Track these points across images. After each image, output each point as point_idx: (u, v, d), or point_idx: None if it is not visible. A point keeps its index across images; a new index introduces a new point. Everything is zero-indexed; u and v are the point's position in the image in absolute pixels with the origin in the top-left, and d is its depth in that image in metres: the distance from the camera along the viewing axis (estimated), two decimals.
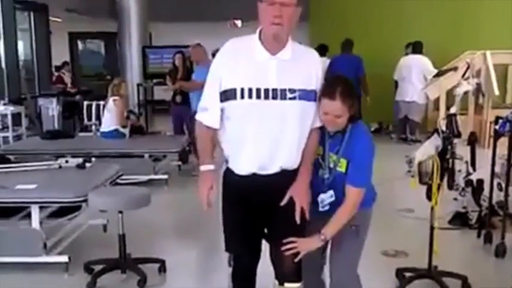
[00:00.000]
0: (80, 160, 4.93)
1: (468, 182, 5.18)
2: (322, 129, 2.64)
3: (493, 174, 4.62)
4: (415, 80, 9.46)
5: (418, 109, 9.63)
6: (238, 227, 2.71)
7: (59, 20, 13.10)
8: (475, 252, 4.64)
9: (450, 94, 8.12)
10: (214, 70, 2.56)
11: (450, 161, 3.73)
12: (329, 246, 2.77)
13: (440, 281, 3.74)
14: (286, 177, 2.57)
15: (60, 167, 4.88)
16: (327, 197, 2.68)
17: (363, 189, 2.61)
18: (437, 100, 9.59)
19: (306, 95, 2.49)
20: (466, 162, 5.18)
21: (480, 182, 5.14)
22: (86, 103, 9.04)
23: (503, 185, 4.44)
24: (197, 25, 14.23)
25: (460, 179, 5.30)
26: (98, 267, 4.10)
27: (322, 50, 9.52)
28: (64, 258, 4.16)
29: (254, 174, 2.55)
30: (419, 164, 3.76)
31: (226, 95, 2.49)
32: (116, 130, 7.14)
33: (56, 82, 11.12)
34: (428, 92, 9.51)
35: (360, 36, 10.56)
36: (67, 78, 11.13)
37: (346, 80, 2.64)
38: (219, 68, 2.54)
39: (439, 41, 9.84)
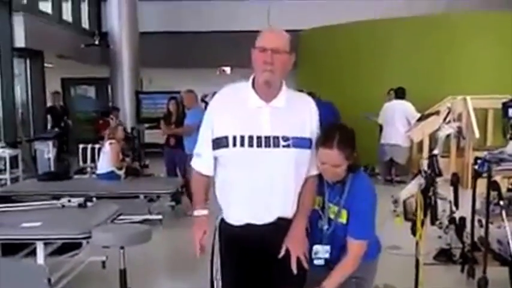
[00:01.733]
0: (82, 200, 5.15)
1: (451, 220, 5.45)
2: (321, 179, 2.57)
3: (473, 211, 4.90)
4: (399, 124, 9.81)
5: (402, 152, 9.95)
6: (237, 284, 2.59)
7: (52, 65, 13.40)
8: (459, 286, 4.87)
9: (433, 137, 8.45)
10: (207, 116, 2.54)
11: (432, 198, 3.99)
12: None
13: None
14: (283, 227, 2.49)
15: (62, 206, 5.10)
16: (322, 251, 2.59)
17: (365, 242, 2.52)
18: (420, 143, 9.92)
19: (300, 142, 2.44)
20: (450, 201, 5.49)
21: (462, 219, 5.39)
22: (81, 146, 9.31)
23: (484, 222, 4.71)
24: (187, 71, 14.64)
25: (443, 218, 5.60)
26: None
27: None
28: None
29: (248, 225, 2.47)
30: (404, 201, 4.04)
31: (219, 143, 2.45)
32: (112, 172, 7.37)
33: (101, 128, 10.73)
34: (412, 135, 9.85)
35: (345, 83, 11.03)
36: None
37: (343, 128, 2.58)
38: (211, 114, 2.52)
39: (421, 87, 10.24)
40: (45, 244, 4.46)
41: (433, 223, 4.05)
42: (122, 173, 7.48)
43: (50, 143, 9.30)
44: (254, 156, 2.41)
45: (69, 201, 5.14)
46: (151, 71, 14.07)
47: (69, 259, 4.99)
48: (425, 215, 3.94)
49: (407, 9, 12.54)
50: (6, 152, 8.60)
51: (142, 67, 13.06)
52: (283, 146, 2.41)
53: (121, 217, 5.37)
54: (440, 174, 4.01)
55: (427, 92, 10.16)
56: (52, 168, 9.17)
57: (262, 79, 2.42)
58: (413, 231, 3.96)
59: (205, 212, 2.62)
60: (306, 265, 2.48)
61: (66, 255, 5.01)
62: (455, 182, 5.43)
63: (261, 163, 2.42)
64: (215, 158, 2.53)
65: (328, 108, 9.49)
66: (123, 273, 4.30)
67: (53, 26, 11.38)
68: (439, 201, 5.74)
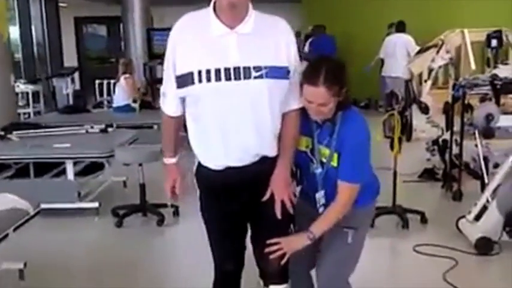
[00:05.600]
0: (103, 126, 5.79)
1: (434, 142, 6.04)
2: (309, 118, 2.31)
3: (452, 133, 5.47)
4: (399, 56, 10.17)
5: (402, 84, 10.40)
6: (220, 233, 2.44)
7: (65, 5, 13.76)
8: (437, 198, 5.55)
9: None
10: (167, 52, 2.25)
11: (408, 118, 4.54)
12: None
13: (401, 215, 4.63)
14: (265, 166, 2.28)
15: (86, 131, 5.75)
16: (320, 197, 2.37)
17: (356, 185, 2.28)
18: (420, 75, 10.35)
19: (275, 72, 2.15)
20: (442, 128, 6.08)
21: (445, 141, 5.97)
22: (97, 82, 9.88)
23: (459, 140, 5.28)
24: (199, 8, 14.89)
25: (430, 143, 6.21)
26: (123, 211, 4.97)
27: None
28: (95, 204, 5.05)
29: (228, 168, 2.25)
30: (384, 121, 4.61)
31: (183, 81, 2.17)
32: (128, 105, 7.96)
33: None
34: (412, 67, 10.26)
35: (347, 17, 11.41)
36: None
37: (331, 62, 2.27)
38: (171, 49, 2.23)
39: (422, 20, 10.58)
40: (74, 163, 5.13)
41: (408, 139, 4.59)
42: (136, 105, 8.06)
43: (68, 79, 9.88)
44: (224, 92, 2.15)
45: (92, 127, 5.79)
46: (162, 9, 14.34)
47: (94, 179, 5.69)
48: (402, 133, 4.51)
49: None
50: (29, 88, 9.21)
51: (153, 5, 13.37)
52: (255, 77, 2.13)
53: (137, 145, 6.00)
54: (414, 98, 4.54)
55: (428, 26, 10.47)
56: (71, 103, 9.80)
57: (227, 1, 2.09)
58: (392, 147, 4.55)
59: (173, 160, 2.47)
60: (291, 210, 2.32)
61: (91, 176, 5.71)
62: (448, 110, 5.98)
63: (232, 98, 2.15)
64: (182, 98, 2.28)
65: (329, 41, 9.98)
66: (142, 188, 4.96)
67: None
68: (433, 129, 6.38)
